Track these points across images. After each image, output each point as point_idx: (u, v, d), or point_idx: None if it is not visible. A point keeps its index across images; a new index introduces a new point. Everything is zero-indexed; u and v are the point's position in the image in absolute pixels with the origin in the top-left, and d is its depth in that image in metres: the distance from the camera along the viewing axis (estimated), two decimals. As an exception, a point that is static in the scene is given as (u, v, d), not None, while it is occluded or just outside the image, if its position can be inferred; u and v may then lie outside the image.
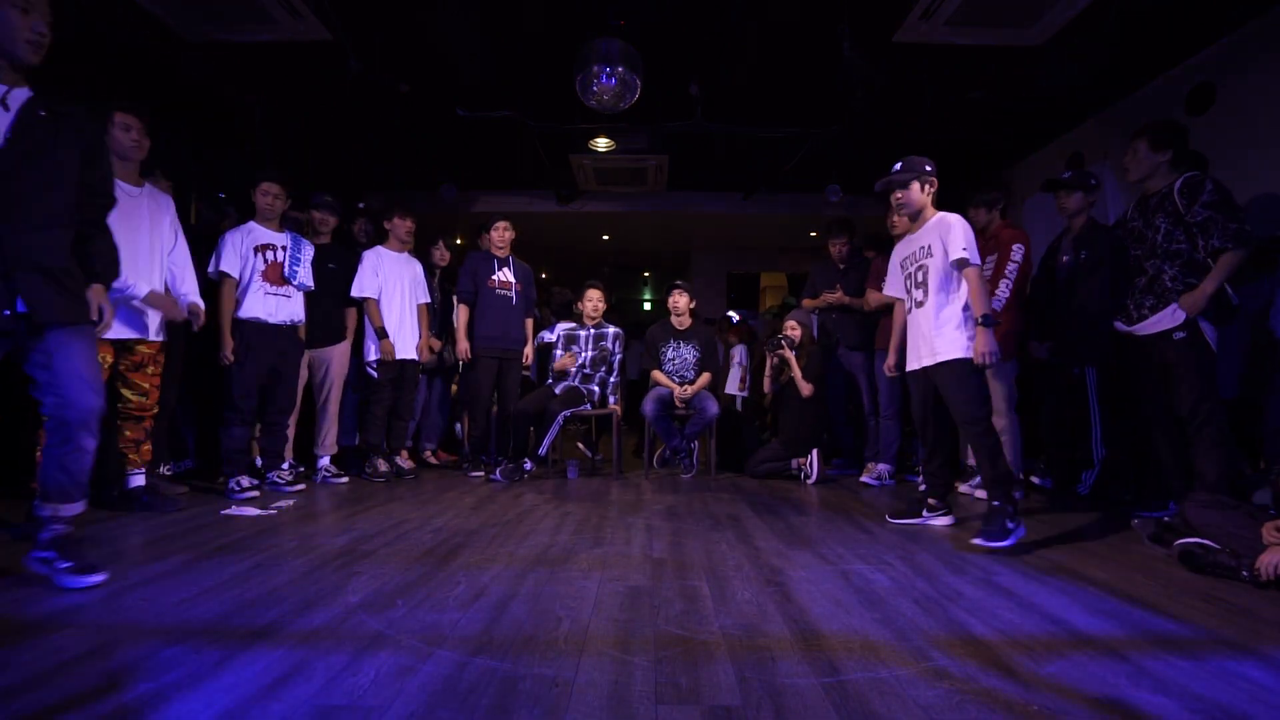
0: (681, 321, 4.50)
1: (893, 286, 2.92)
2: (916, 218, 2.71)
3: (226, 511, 2.83)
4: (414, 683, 1.21)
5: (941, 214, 2.64)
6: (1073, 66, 4.00)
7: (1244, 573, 1.88)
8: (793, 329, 4.30)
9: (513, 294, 4.33)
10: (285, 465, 3.60)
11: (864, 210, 6.40)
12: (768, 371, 4.45)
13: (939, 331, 2.57)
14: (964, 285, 2.54)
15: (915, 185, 2.64)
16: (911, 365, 2.74)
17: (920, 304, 2.67)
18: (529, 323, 4.45)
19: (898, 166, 2.69)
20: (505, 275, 4.33)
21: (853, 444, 4.52)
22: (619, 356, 4.51)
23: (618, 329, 4.54)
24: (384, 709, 1.11)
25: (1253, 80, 3.52)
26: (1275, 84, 3.39)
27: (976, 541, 2.33)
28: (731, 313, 7.46)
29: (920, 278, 2.67)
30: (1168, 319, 2.71)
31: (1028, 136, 5.21)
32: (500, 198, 6.80)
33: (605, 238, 8.68)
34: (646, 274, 12.38)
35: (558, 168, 5.95)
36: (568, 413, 4.16)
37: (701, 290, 8.88)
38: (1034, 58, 3.85)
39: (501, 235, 4.35)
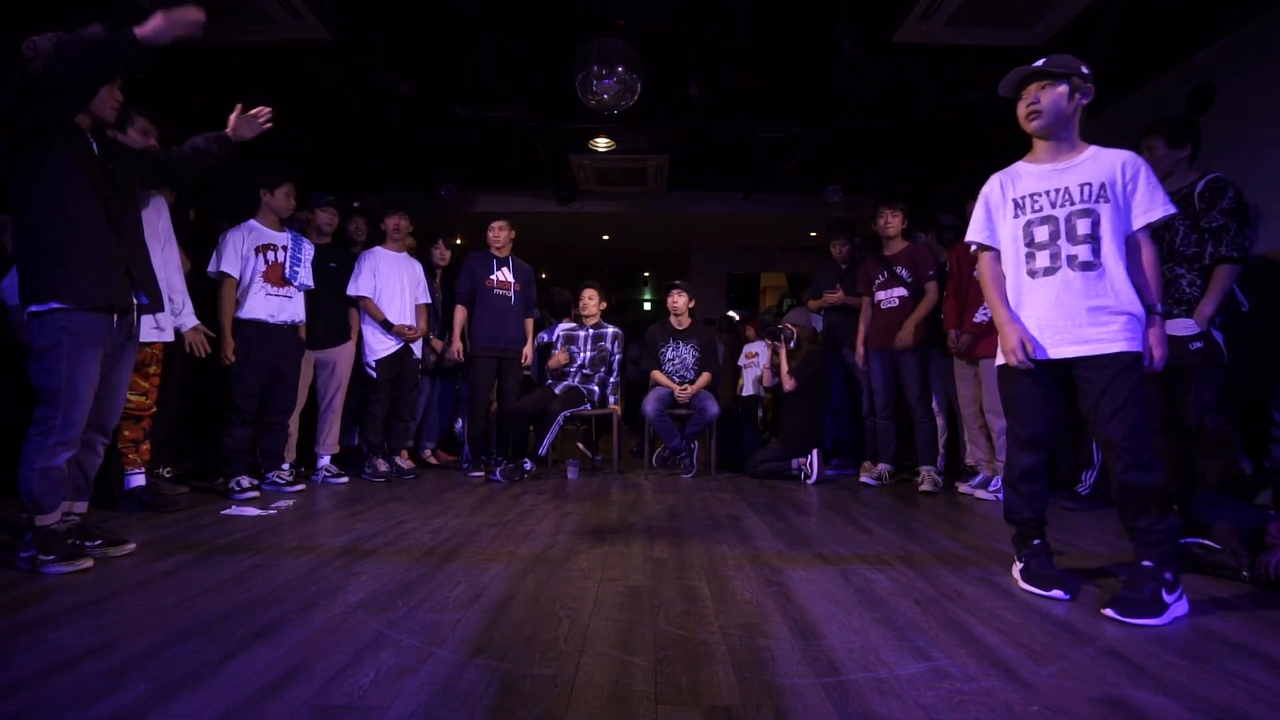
0: (681, 321, 4.50)
1: (988, 232, 2.01)
2: (1058, 136, 1.89)
3: (226, 511, 2.83)
4: (414, 683, 1.21)
5: (1107, 149, 1.86)
6: (1073, 66, 4.00)
7: (1244, 573, 1.88)
8: (790, 326, 4.32)
9: (511, 294, 4.33)
10: (285, 465, 3.60)
11: (864, 210, 6.41)
12: (767, 364, 4.46)
13: (1128, 311, 1.75)
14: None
15: (1064, 88, 1.84)
16: (1064, 349, 1.80)
17: (1089, 266, 1.78)
18: (529, 323, 4.45)
19: (1041, 62, 1.88)
20: (504, 275, 4.33)
21: (853, 444, 4.53)
22: (618, 357, 4.51)
23: (617, 329, 4.54)
24: (384, 709, 1.11)
25: (1253, 80, 3.52)
26: (1275, 84, 3.39)
27: (1112, 614, 1.60)
28: (731, 312, 7.46)
29: (1086, 229, 1.79)
30: (1184, 326, 2.71)
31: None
32: (500, 198, 6.80)
33: (605, 238, 8.69)
34: (646, 274, 12.37)
35: (558, 168, 5.95)
36: (568, 413, 4.16)
37: (701, 290, 8.88)
38: (1034, 58, 3.84)
39: (497, 235, 4.35)
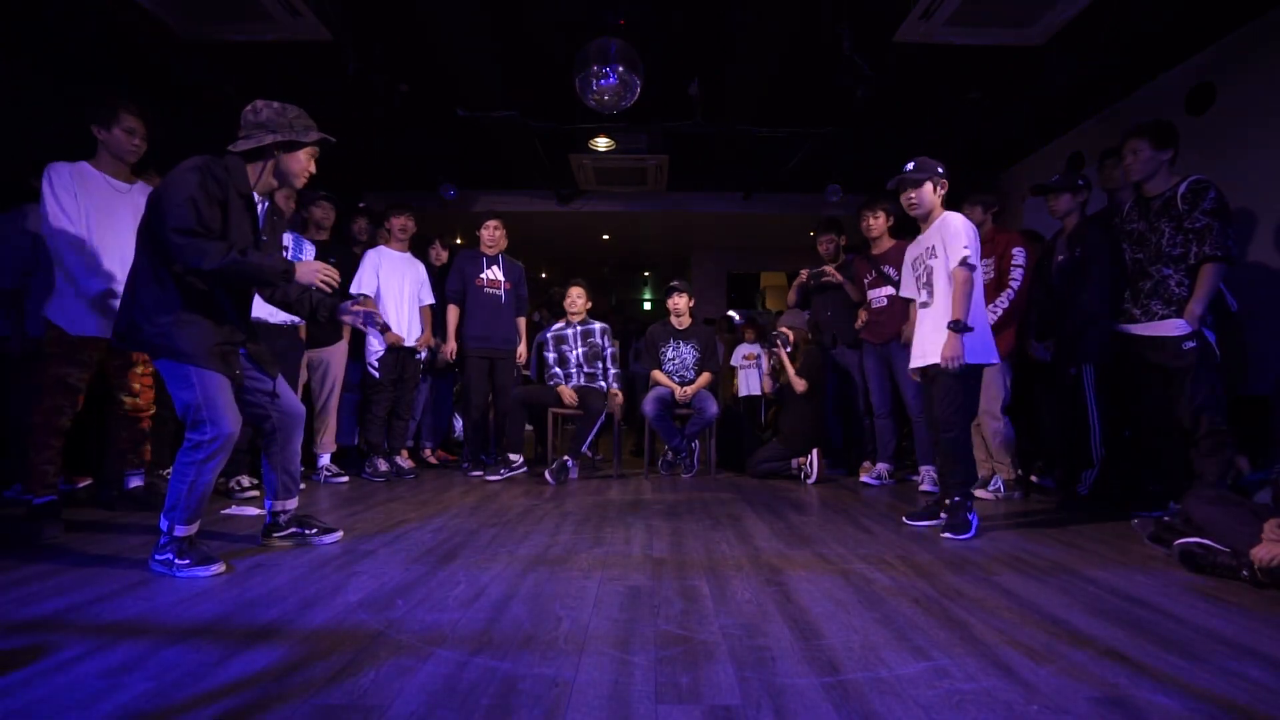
0: (681, 322, 4.51)
1: (905, 288, 2.94)
2: (927, 219, 2.72)
3: (227, 511, 2.83)
4: (414, 683, 1.21)
5: (946, 214, 2.67)
6: (1073, 66, 4.00)
7: (1244, 572, 1.88)
8: (785, 330, 4.33)
9: (502, 293, 4.31)
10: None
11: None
12: (766, 369, 4.46)
13: (941, 334, 2.59)
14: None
15: (928, 185, 2.65)
16: (916, 363, 2.78)
17: (926, 305, 2.71)
18: (521, 322, 4.44)
19: (910, 166, 2.69)
20: (494, 274, 4.31)
21: (842, 445, 4.53)
22: (611, 350, 4.48)
23: (604, 324, 4.51)
24: (384, 709, 1.11)
25: (1253, 80, 3.52)
26: (1275, 84, 3.39)
27: (946, 536, 2.50)
28: (732, 312, 7.45)
29: (926, 278, 2.71)
30: (1176, 327, 2.72)
31: (1028, 136, 5.21)
32: (500, 198, 6.80)
33: (605, 238, 8.69)
34: (646, 274, 12.38)
35: (558, 167, 5.95)
36: (608, 410, 4.16)
37: (701, 290, 8.88)
38: (1034, 58, 3.85)
39: (491, 234, 4.34)
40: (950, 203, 2.73)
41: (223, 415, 1.95)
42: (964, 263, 2.52)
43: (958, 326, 2.50)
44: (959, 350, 2.50)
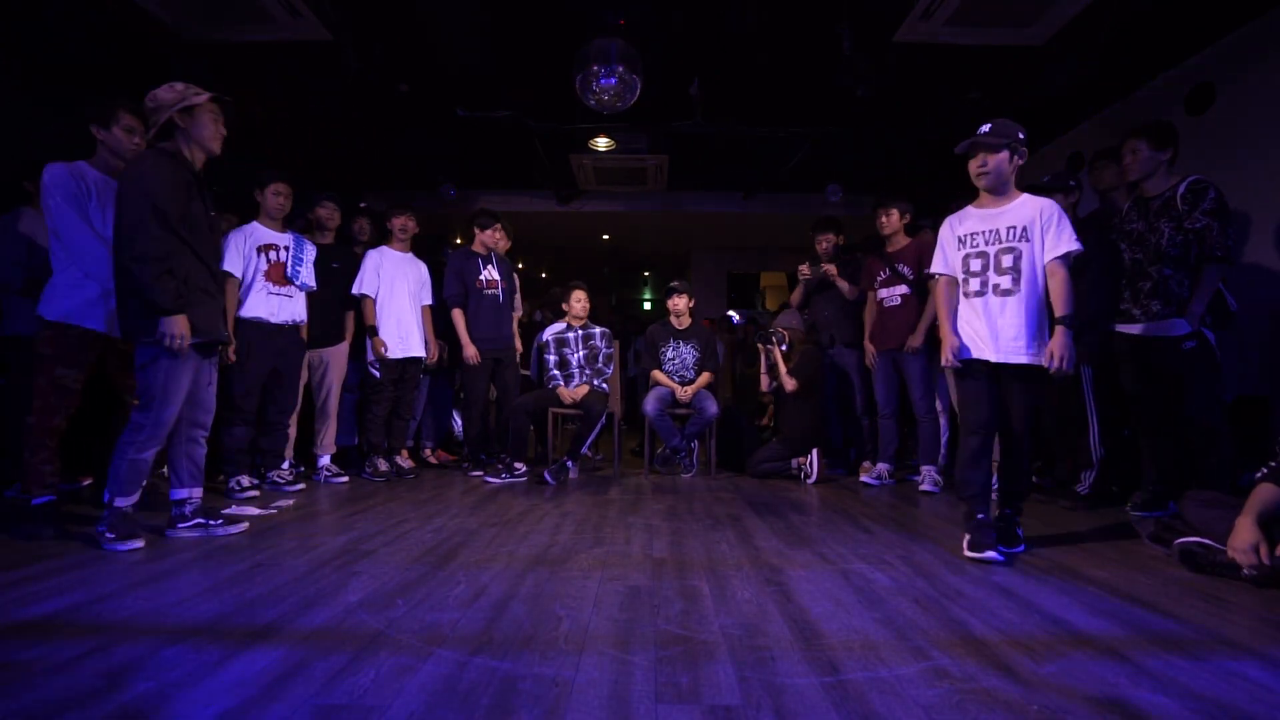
0: (681, 322, 4.51)
1: (943, 263, 2.49)
2: (997, 190, 2.36)
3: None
4: (414, 683, 1.21)
5: (1033, 196, 2.35)
6: (1073, 66, 4.00)
7: (1244, 572, 1.88)
8: (781, 329, 4.33)
9: (500, 292, 4.31)
10: (285, 465, 3.60)
11: (865, 210, 6.41)
12: (763, 368, 4.46)
13: (1035, 330, 2.26)
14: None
15: (1005, 153, 2.30)
16: (992, 355, 2.31)
17: (1008, 292, 2.30)
18: (515, 316, 4.45)
19: (986, 128, 2.32)
20: (491, 274, 4.30)
21: (841, 445, 4.53)
22: (609, 351, 4.48)
23: (604, 329, 4.52)
24: (384, 709, 1.11)
25: (1253, 80, 3.52)
26: (1275, 84, 3.39)
27: (997, 551, 2.21)
28: (732, 312, 7.45)
29: (1009, 263, 2.31)
30: (1176, 327, 2.71)
31: (1027, 136, 5.21)
32: (500, 198, 6.80)
33: (605, 238, 8.69)
34: (646, 274, 12.38)
35: (558, 167, 5.95)
36: (608, 413, 4.15)
37: (701, 290, 8.88)
38: (1034, 57, 3.85)
39: (495, 238, 4.33)
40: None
41: (174, 403, 2.24)
42: (1068, 256, 2.24)
43: (1069, 321, 2.19)
44: (1072, 350, 2.17)
